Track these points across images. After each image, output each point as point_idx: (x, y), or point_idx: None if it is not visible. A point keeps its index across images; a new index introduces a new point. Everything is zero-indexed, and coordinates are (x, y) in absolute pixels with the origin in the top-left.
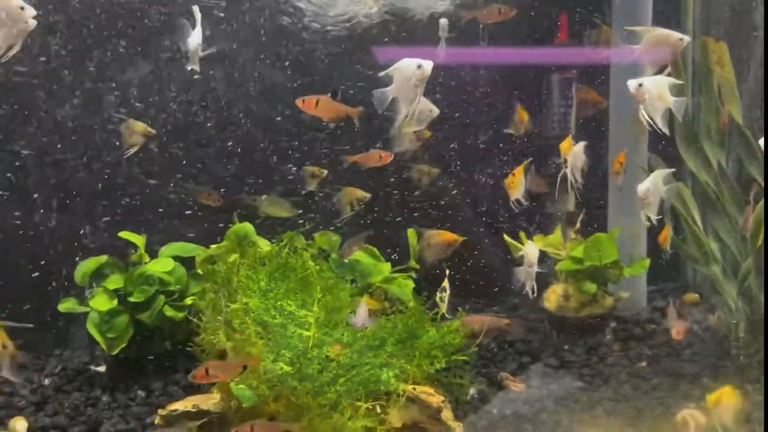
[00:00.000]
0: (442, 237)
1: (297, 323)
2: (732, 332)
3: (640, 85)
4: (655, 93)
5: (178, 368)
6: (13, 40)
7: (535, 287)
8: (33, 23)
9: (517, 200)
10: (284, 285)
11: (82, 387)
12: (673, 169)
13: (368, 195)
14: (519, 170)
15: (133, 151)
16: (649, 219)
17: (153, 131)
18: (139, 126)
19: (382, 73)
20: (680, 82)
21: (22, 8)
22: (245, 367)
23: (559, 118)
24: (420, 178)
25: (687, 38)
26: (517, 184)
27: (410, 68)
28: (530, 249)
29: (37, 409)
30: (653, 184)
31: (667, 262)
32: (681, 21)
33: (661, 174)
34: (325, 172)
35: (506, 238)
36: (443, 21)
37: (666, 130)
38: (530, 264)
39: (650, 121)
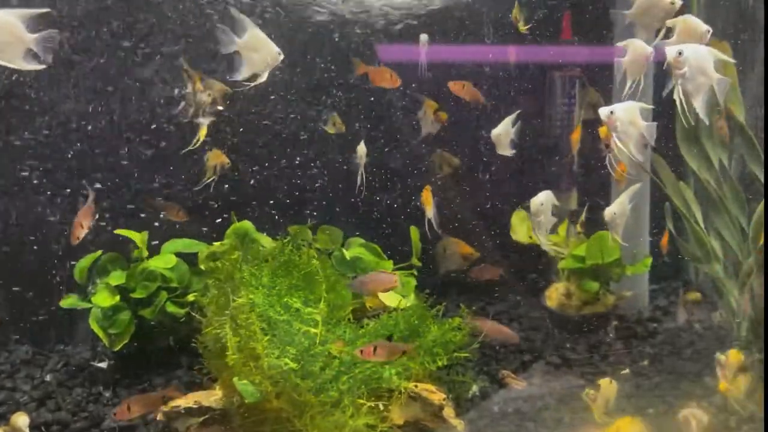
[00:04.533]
0: (459, 248)
1: (302, 320)
2: (734, 331)
3: (612, 112)
4: (627, 119)
5: (180, 364)
6: (261, 70)
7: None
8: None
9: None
10: (287, 281)
11: (84, 383)
12: (639, 183)
13: (230, 162)
14: (427, 188)
15: (213, 117)
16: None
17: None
18: (218, 85)
19: None
20: (650, 106)
21: (279, 53)
22: (164, 398)
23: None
24: (440, 165)
25: (679, 1)
26: (430, 202)
27: None
28: (533, 200)
29: (39, 404)
30: (619, 207)
31: (669, 261)
32: None
33: (628, 195)
34: (343, 128)
35: (514, 217)
36: (423, 36)
37: (641, 158)
38: (537, 214)
39: (623, 148)
